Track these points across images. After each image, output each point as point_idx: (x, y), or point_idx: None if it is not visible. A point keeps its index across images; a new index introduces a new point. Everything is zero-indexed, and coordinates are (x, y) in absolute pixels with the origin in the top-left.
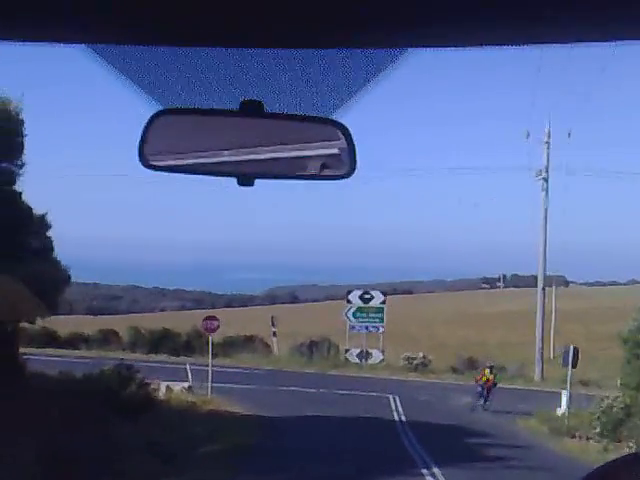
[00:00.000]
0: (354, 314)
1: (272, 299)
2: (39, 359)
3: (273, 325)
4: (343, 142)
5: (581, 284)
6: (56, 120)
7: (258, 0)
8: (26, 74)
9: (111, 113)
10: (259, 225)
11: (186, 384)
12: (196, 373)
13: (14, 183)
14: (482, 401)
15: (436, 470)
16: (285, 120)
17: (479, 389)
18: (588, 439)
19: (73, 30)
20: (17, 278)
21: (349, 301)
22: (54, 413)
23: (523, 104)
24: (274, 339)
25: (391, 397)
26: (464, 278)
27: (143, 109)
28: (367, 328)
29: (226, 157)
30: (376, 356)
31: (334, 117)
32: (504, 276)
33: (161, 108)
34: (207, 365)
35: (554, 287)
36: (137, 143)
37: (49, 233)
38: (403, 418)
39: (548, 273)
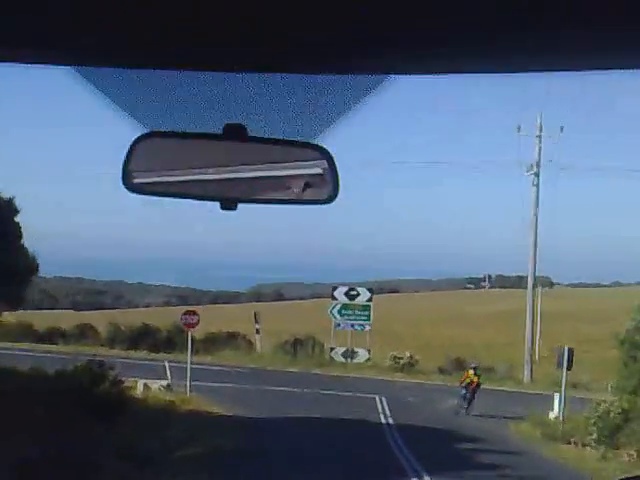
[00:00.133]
0: (339, 311)
1: (257, 296)
2: (12, 354)
3: (256, 322)
4: (326, 166)
5: (566, 285)
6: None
7: (242, 26)
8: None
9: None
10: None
11: (164, 382)
12: (176, 371)
13: None
14: (466, 404)
15: (427, 479)
16: (268, 144)
17: (463, 391)
18: (584, 445)
19: (58, 52)
20: None
21: (334, 298)
22: (18, 413)
23: (515, 96)
24: (257, 336)
25: (377, 398)
26: (449, 278)
27: (126, 131)
28: (353, 326)
29: (209, 181)
30: (362, 355)
31: (317, 142)
32: (489, 276)
33: (145, 131)
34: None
35: (540, 288)
36: (120, 166)
37: (17, 219)
38: (390, 421)
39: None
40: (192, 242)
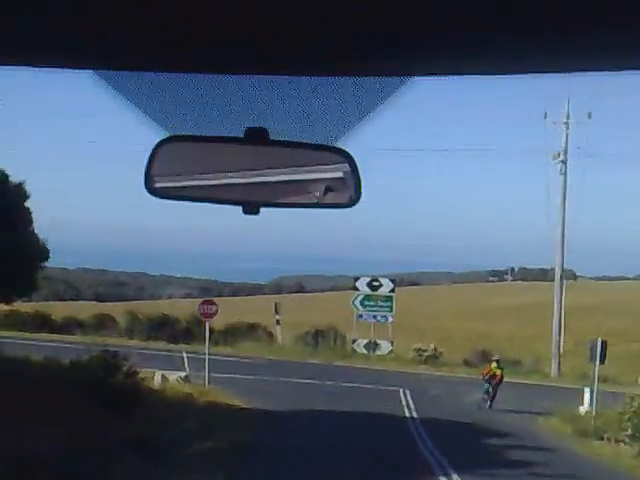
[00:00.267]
0: (362, 302)
1: (278, 288)
2: (27, 344)
3: (277, 312)
4: (347, 169)
5: (589, 278)
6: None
7: (264, 29)
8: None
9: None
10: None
11: (182, 373)
12: (195, 362)
13: None
14: (489, 398)
15: (455, 477)
16: (290, 148)
17: (486, 385)
18: (617, 442)
19: (80, 56)
20: None
21: (356, 288)
22: (29, 404)
23: (541, 83)
24: (278, 327)
25: (401, 391)
26: (471, 270)
27: (148, 135)
28: (375, 317)
29: (231, 185)
30: (384, 347)
31: (339, 144)
32: (512, 269)
33: (166, 135)
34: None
35: (564, 281)
36: (143, 170)
37: (27, 204)
38: (415, 414)
39: (555, 266)
40: (214, 235)
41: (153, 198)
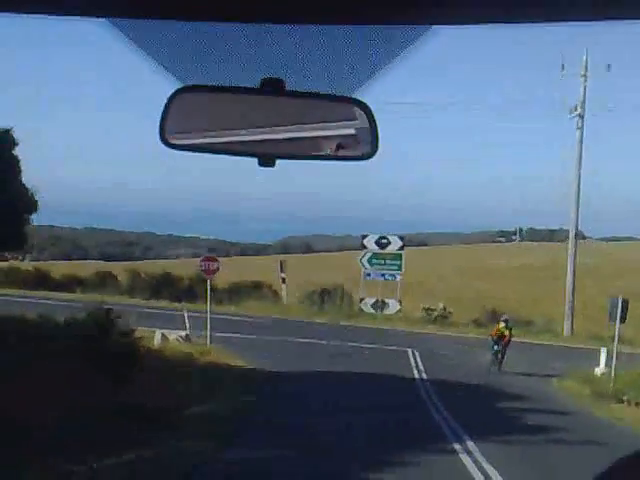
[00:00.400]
0: (369, 260)
1: (286, 248)
2: (25, 301)
3: (282, 271)
4: (364, 121)
5: (597, 239)
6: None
7: None
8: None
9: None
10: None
11: (183, 332)
12: (197, 321)
13: None
14: (498, 359)
15: (470, 444)
16: (306, 99)
17: (495, 347)
18: (637, 405)
19: (93, 4)
20: None
21: (364, 246)
22: (21, 364)
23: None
24: (283, 286)
25: (410, 351)
26: (480, 231)
27: (163, 86)
28: (383, 275)
29: (247, 136)
30: (392, 306)
31: (356, 96)
32: (520, 229)
33: (181, 85)
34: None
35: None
36: (158, 121)
37: (15, 152)
38: (424, 376)
39: (563, 227)
40: (223, 195)
41: (162, 155)
